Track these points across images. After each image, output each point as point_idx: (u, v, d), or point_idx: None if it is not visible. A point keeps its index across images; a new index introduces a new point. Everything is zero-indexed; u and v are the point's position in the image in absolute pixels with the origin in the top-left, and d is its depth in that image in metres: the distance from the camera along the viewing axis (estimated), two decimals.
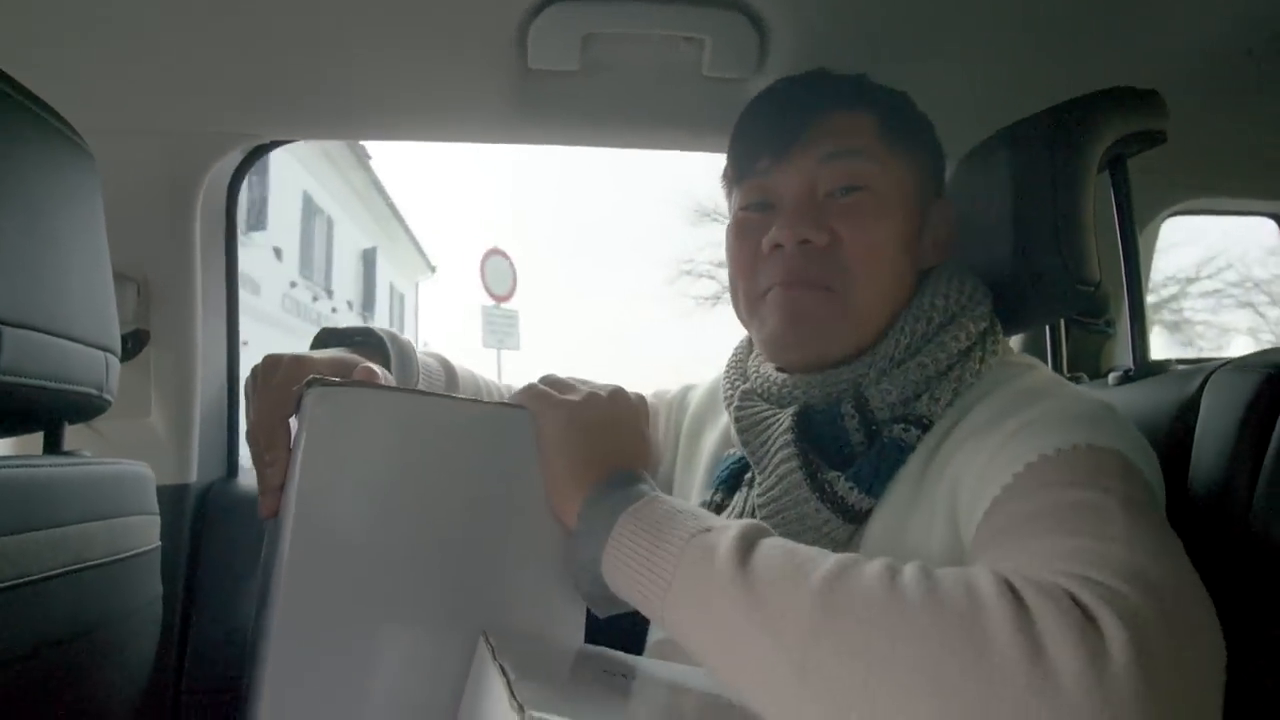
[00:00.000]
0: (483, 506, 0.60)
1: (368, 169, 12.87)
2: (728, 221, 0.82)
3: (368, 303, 15.71)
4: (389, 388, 0.64)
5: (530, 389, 0.65)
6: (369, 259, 15.36)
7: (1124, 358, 0.91)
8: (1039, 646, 0.39)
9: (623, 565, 0.55)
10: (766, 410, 0.76)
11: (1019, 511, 0.54)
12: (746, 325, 0.81)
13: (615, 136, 1.18)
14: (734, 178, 0.81)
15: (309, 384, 0.57)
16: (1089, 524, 0.49)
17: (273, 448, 0.61)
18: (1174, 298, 7.89)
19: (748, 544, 0.50)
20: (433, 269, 17.86)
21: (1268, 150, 1.29)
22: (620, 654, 0.61)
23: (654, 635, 0.83)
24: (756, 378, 0.80)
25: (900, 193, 0.75)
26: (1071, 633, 0.40)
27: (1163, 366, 0.84)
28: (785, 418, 0.73)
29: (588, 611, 0.62)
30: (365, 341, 0.82)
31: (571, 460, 0.61)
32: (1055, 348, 1.11)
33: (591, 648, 0.61)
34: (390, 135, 1.20)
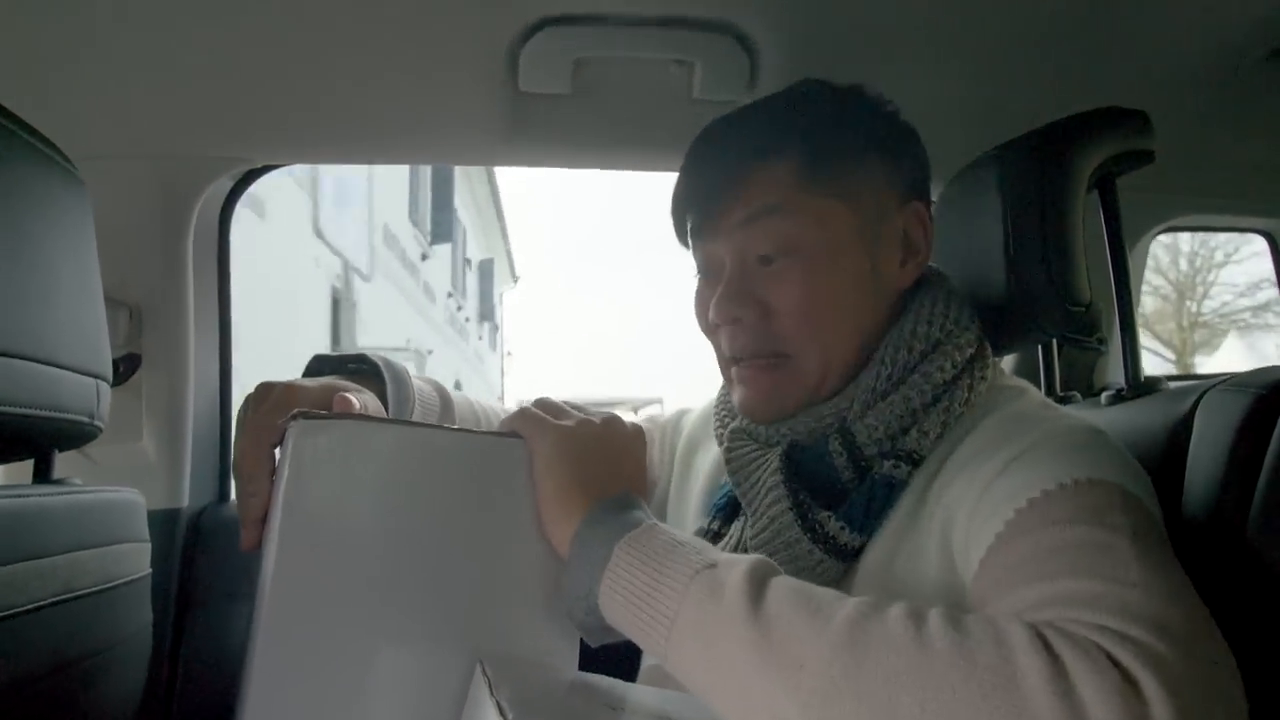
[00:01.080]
0: (473, 536, 0.60)
1: (492, 181, 12.96)
2: None
3: (485, 312, 15.75)
4: (375, 419, 0.63)
5: (523, 412, 0.64)
6: (485, 270, 15.46)
7: (1117, 374, 0.91)
8: (1079, 710, 0.39)
9: (621, 598, 0.53)
10: (755, 450, 0.75)
11: (1025, 551, 0.52)
12: (726, 385, 0.80)
13: (606, 159, 1.18)
14: (680, 242, 0.80)
15: (293, 416, 0.57)
16: (1104, 566, 0.48)
17: (256, 479, 0.60)
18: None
19: (758, 582, 0.49)
20: (516, 278, 17.90)
21: (1256, 167, 1.30)
22: (616, 683, 0.60)
23: (648, 660, 0.82)
24: (745, 417, 0.79)
25: (835, 237, 0.70)
26: (1113, 698, 0.39)
27: (1155, 384, 0.84)
28: (774, 458, 0.72)
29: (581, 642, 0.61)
30: (359, 369, 0.81)
31: (563, 485, 0.59)
32: (1048, 366, 1.11)
33: (587, 676, 0.60)
34: (382, 159, 1.20)
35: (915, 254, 0.74)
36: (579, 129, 1.09)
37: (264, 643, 0.54)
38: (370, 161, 1.21)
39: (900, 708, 0.40)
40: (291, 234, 7.28)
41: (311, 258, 7.87)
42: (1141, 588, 0.46)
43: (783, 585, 0.49)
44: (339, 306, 8.83)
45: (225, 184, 1.22)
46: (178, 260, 1.16)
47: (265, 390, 0.66)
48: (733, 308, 0.71)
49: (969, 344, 0.71)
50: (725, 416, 0.82)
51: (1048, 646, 0.41)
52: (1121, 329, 0.88)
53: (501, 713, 0.47)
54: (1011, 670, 0.40)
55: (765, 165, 0.71)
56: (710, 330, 0.76)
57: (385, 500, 0.58)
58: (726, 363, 0.76)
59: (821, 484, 0.70)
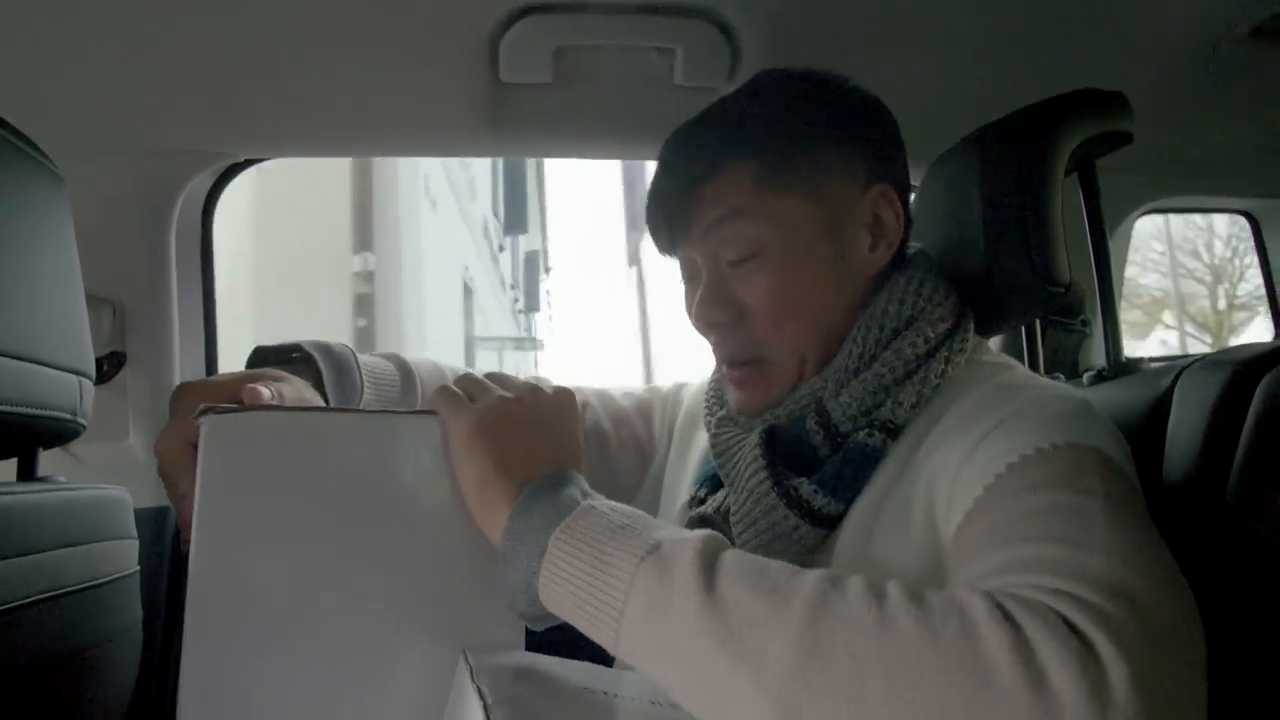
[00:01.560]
0: (398, 519, 0.59)
1: (540, 171, 12.95)
2: None
3: (531, 303, 15.63)
4: (284, 408, 0.62)
5: (441, 391, 0.63)
6: (532, 262, 15.36)
7: (1100, 356, 0.92)
8: (1041, 678, 0.39)
9: (563, 591, 0.52)
10: (738, 434, 0.77)
11: (998, 517, 0.53)
12: None
13: (589, 148, 1.18)
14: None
15: (202, 411, 0.56)
16: (1072, 530, 0.49)
17: (181, 480, 0.59)
18: None
19: (708, 563, 0.48)
20: (548, 270, 17.79)
21: (1237, 147, 1.30)
22: (599, 668, 0.61)
23: None
24: (729, 404, 0.80)
25: (798, 232, 0.71)
26: (1072, 662, 0.40)
27: (1136, 365, 0.85)
28: (754, 436, 0.73)
29: (558, 624, 0.60)
30: (302, 358, 0.79)
31: (483, 473, 0.58)
32: (1031, 348, 1.12)
33: (571, 662, 0.60)
34: (364, 151, 1.20)
35: (885, 236, 0.75)
36: (561, 118, 1.08)
37: (191, 641, 0.53)
38: (351, 154, 1.21)
39: (869, 690, 0.41)
40: (451, 226, 7.50)
41: (453, 250, 8.00)
42: (1104, 552, 0.47)
43: (734, 564, 0.48)
44: (469, 295, 9.00)
45: (207, 179, 1.21)
46: (160, 257, 1.15)
47: (183, 390, 0.65)
48: (710, 313, 0.74)
49: (943, 319, 0.72)
50: (714, 404, 0.83)
51: (1008, 617, 0.42)
52: (1103, 311, 0.89)
53: (481, 697, 0.47)
54: (975, 644, 0.41)
55: (724, 171, 0.72)
56: (700, 334, 0.79)
57: (304, 488, 0.57)
58: (718, 364, 0.79)
59: (799, 458, 0.71)
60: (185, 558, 1.17)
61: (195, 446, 0.57)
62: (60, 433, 0.70)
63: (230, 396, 0.62)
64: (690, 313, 0.77)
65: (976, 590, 0.44)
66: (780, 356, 0.73)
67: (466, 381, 0.64)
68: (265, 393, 0.63)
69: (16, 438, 0.69)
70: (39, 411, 0.64)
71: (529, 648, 0.61)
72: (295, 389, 0.69)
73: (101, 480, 0.76)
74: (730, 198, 0.72)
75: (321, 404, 0.74)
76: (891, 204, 0.75)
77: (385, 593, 0.57)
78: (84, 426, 0.72)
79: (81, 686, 0.68)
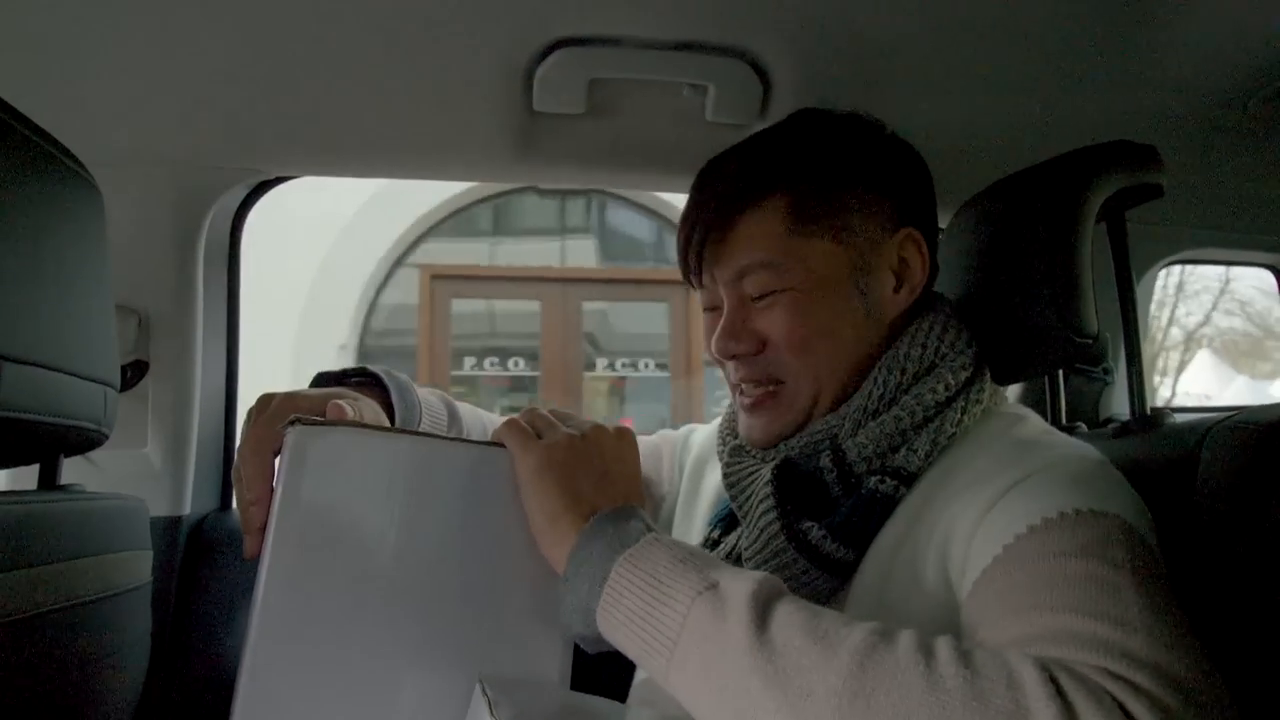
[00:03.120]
0: (468, 545, 0.60)
1: None
2: None
3: None
4: (372, 426, 0.63)
5: (508, 424, 0.64)
6: None
7: (1123, 406, 0.91)
8: None
9: (620, 618, 0.53)
10: (751, 465, 0.77)
11: (1026, 578, 0.53)
12: None
13: (618, 178, 1.19)
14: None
15: (290, 423, 0.57)
16: (1109, 606, 0.48)
17: (255, 487, 0.60)
18: None
19: (763, 605, 0.48)
20: None
21: (1263, 201, 1.30)
22: (611, 703, 0.60)
23: (641, 674, 0.82)
24: (741, 435, 0.80)
25: (824, 274, 0.72)
26: None
27: (1161, 417, 0.84)
28: (767, 471, 0.73)
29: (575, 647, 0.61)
30: (364, 381, 0.81)
31: (552, 508, 0.59)
32: (1054, 396, 1.11)
33: (585, 696, 0.60)
34: (395, 173, 1.21)
35: (909, 280, 0.75)
36: (592, 148, 1.09)
37: (256, 650, 0.53)
38: (382, 175, 1.22)
39: None
40: None
41: None
42: (1145, 632, 0.46)
43: (788, 609, 0.49)
44: None
45: (238, 194, 1.23)
46: (188, 268, 1.17)
47: (265, 400, 0.66)
48: (730, 345, 0.75)
49: (964, 367, 0.72)
50: (727, 435, 0.84)
51: (1060, 691, 0.41)
52: (1128, 361, 0.88)
53: None
54: (1024, 714, 0.40)
55: (754, 212, 0.73)
56: (717, 362, 0.79)
57: (381, 507, 0.58)
58: (732, 388, 0.80)
59: (811, 497, 0.71)
60: (198, 568, 1.18)
61: (276, 455, 0.58)
62: (84, 441, 0.70)
63: (313, 411, 0.64)
64: (710, 342, 0.78)
65: (1026, 657, 0.44)
66: (799, 381, 0.73)
67: (533, 416, 0.66)
68: (350, 410, 0.65)
69: (42, 446, 0.70)
70: (65, 420, 0.64)
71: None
72: (371, 410, 0.71)
73: (117, 487, 0.76)
74: (759, 246, 0.73)
75: (394, 427, 0.75)
76: (918, 248, 0.75)
77: (443, 613, 0.58)
78: (107, 435, 0.72)
79: (89, 696, 0.68)
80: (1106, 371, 1.21)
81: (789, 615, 0.48)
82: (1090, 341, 0.76)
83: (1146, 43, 0.92)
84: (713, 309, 0.79)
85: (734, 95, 0.96)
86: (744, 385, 0.76)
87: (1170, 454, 0.73)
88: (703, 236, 0.75)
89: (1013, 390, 1.27)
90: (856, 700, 0.42)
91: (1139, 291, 1.34)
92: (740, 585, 0.50)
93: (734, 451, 0.80)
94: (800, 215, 0.72)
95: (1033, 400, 1.23)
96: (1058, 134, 0.85)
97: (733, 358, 0.76)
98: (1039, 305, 0.76)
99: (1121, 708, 0.41)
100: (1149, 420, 0.84)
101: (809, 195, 0.73)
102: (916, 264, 0.75)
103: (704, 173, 0.79)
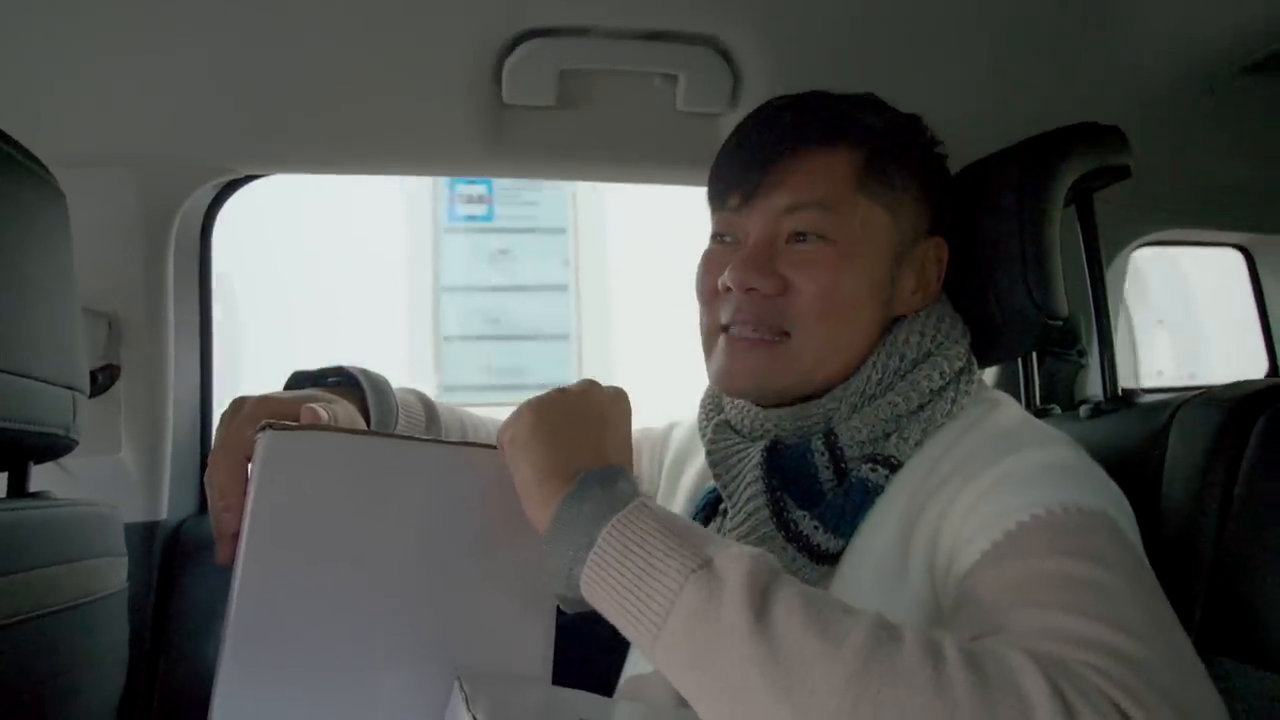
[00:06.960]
0: (444, 547, 0.59)
1: None
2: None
3: None
4: (344, 430, 0.63)
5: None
6: None
7: (1097, 386, 0.92)
8: None
9: (606, 586, 0.50)
10: (738, 444, 0.75)
11: (1018, 575, 0.53)
12: (704, 354, 0.78)
13: (590, 170, 1.19)
14: (709, 205, 0.79)
15: (262, 428, 0.56)
16: (1105, 607, 0.49)
17: (229, 492, 0.59)
18: None
19: (760, 587, 0.47)
20: None
21: (1232, 182, 1.31)
22: (595, 697, 0.60)
23: (629, 671, 0.82)
24: (731, 409, 0.79)
25: (872, 240, 0.71)
26: None
27: (1132, 397, 0.85)
28: (755, 452, 0.72)
29: (556, 648, 0.61)
30: (340, 381, 0.79)
31: (540, 466, 0.56)
32: (1028, 379, 1.12)
33: (567, 690, 0.60)
34: (366, 170, 1.20)
35: (926, 286, 0.75)
36: (563, 140, 1.09)
37: (232, 656, 0.53)
38: (353, 172, 1.20)
39: None
40: None
41: None
42: (1144, 638, 0.47)
43: (787, 594, 0.47)
44: None
45: (207, 194, 1.21)
46: (158, 270, 1.15)
47: (239, 404, 0.65)
48: (752, 277, 0.70)
49: (958, 356, 0.72)
50: (711, 411, 0.82)
51: (1066, 705, 0.42)
52: (1099, 343, 0.89)
53: None
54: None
55: (828, 152, 0.71)
56: (710, 295, 0.75)
57: (355, 511, 0.57)
58: (715, 330, 0.75)
59: (801, 483, 0.70)
60: (175, 574, 1.17)
61: (248, 460, 0.57)
62: (52, 448, 0.70)
63: (287, 414, 0.62)
64: (714, 272, 0.74)
65: (1030, 659, 0.44)
66: (808, 338, 0.70)
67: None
68: (323, 414, 0.64)
69: (8, 453, 0.69)
70: (31, 427, 0.63)
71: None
72: (346, 412, 0.69)
73: (92, 494, 0.75)
74: (823, 185, 0.71)
75: (369, 429, 0.75)
76: (940, 259, 0.76)
77: (421, 616, 0.58)
78: (76, 441, 0.71)
79: (65, 706, 0.67)
80: (1081, 354, 1.22)
81: (788, 601, 0.46)
82: (1060, 323, 0.77)
83: (1114, 25, 0.92)
84: (725, 237, 0.76)
85: (704, 84, 0.96)
86: (741, 326, 0.72)
87: (1141, 432, 0.74)
88: (766, 158, 0.72)
89: (989, 373, 1.28)
90: (861, 700, 0.42)
91: (1112, 274, 1.35)
92: (735, 565, 0.48)
93: (719, 428, 0.77)
94: (870, 173, 0.71)
95: (1008, 383, 1.24)
96: (1025, 119, 0.86)
97: (749, 291, 0.71)
98: (1010, 288, 0.77)
99: (1124, 715, 0.42)
100: (1120, 401, 0.85)
101: (884, 158, 0.72)
102: (934, 274, 0.76)
103: (768, 105, 0.76)
